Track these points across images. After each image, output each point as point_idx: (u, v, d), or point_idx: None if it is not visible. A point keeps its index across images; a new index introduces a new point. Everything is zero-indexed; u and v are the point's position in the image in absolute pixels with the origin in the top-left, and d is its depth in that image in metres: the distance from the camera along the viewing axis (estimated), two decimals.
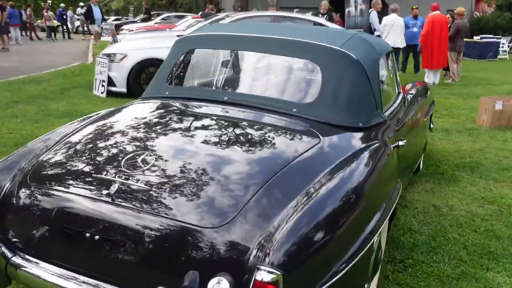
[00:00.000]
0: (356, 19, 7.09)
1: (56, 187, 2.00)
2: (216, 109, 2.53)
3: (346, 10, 7.26)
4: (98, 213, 1.83)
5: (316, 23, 8.10)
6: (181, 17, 21.61)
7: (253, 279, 1.53)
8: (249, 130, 2.29)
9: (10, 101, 7.19)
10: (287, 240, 1.62)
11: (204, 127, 2.34)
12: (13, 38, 19.39)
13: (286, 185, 1.89)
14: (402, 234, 3.29)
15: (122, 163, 1.99)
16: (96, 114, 2.78)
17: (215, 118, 2.47)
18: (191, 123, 2.39)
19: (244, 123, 2.39)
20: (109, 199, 1.84)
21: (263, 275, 1.52)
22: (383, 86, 3.48)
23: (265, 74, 2.85)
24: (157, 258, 1.73)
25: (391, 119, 3.00)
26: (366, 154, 2.30)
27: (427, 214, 3.65)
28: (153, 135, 2.27)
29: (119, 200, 1.83)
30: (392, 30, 10.03)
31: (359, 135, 2.47)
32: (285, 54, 2.76)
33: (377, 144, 2.48)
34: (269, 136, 2.25)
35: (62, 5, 26.01)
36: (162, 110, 2.62)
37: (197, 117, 2.48)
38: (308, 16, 9.14)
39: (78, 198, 1.90)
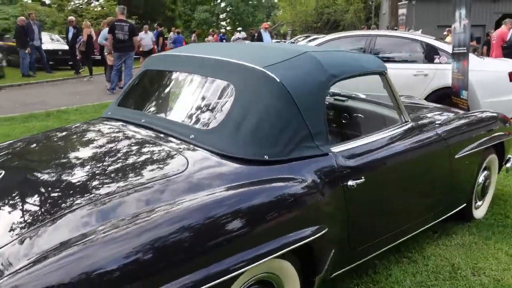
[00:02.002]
0: (460, 36, 6.11)
1: None
2: (119, 133, 2.47)
3: (452, 26, 6.34)
4: None
5: (425, 44, 7.25)
6: None
7: None
8: (122, 156, 2.19)
9: None
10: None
11: (83, 151, 2.35)
12: None
13: (91, 216, 1.74)
14: None
15: None
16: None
17: (107, 142, 2.43)
18: (80, 146, 2.44)
19: (127, 149, 2.26)
20: None
21: None
22: (353, 114, 2.94)
23: (183, 96, 2.63)
24: None
25: (359, 152, 2.50)
26: (235, 191, 1.93)
27: (434, 275, 2.91)
28: (40, 154, 2.38)
29: None
30: None
31: (252, 169, 2.08)
32: (206, 74, 2.50)
33: (275, 182, 2.07)
34: (131, 165, 2.12)
35: (223, 30, 28.39)
36: (81, 130, 2.70)
37: (93, 140, 2.47)
38: (417, 34, 8.21)
39: None
